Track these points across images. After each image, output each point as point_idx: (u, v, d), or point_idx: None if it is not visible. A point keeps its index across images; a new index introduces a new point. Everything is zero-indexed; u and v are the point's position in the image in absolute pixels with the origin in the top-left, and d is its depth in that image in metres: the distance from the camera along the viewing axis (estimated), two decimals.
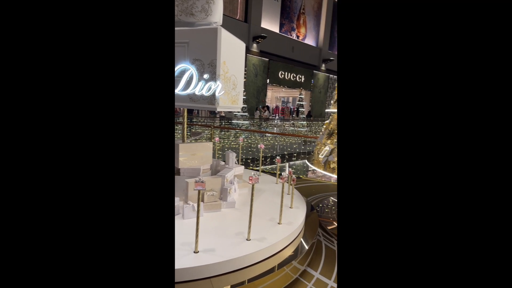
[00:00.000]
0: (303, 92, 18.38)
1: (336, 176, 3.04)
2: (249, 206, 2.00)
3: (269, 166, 7.24)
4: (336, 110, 3.36)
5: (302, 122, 14.48)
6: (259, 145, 3.75)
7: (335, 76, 19.30)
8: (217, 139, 4.28)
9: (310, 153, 4.09)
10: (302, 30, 17.73)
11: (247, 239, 2.05)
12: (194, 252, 1.83)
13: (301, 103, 17.79)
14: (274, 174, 4.32)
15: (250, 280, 1.85)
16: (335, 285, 2.26)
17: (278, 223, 2.40)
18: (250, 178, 1.96)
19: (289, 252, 2.25)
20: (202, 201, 2.53)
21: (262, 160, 4.16)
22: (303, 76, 18.11)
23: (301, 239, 2.53)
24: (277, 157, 3.53)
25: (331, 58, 19.10)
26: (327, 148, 3.27)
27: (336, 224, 3.78)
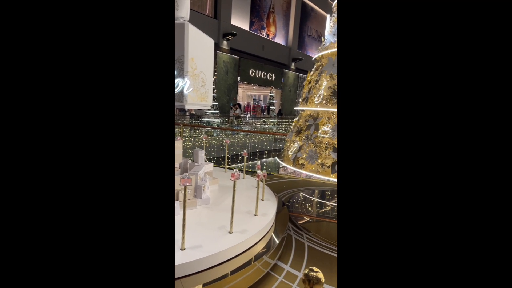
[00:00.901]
0: (274, 90, 18.65)
1: (305, 172, 3.15)
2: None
3: (241, 164, 7.26)
4: (303, 108, 3.48)
5: (273, 120, 14.70)
6: (224, 141, 3.74)
7: (304, 75, 19.84)
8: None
9: (281, 150, 4.19)
10: (272, 28, 17.94)
11: (229, 232, 2.12)
12: (181, 249, 1.82)
13: (272, 101, 18.03)
14: (246, 172, 4.35)
15: (222, 277, 1.86)
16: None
17: (255, 215, 2.46)
18: (233, 175, 2.04)
19: (261, 246, 2.30)
20: (177, 199, 2.48)
21: (227, 156, 4.15)
22: (273, 75, 18.35)
23: (272, 234, 2.60)
24: (244, 150, 3.55)
25: (301, 58, 19.59)
26: (296, 145, 3.37)
27: (306, 218, 3.92)
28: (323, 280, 1.34)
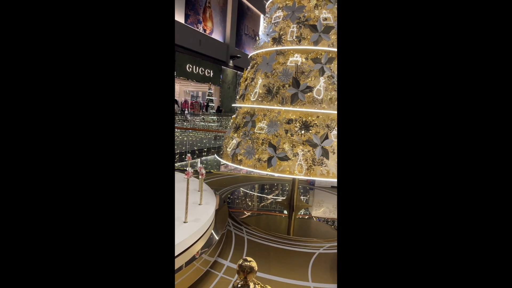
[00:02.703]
0: (213, 87, 18.37)
1: (246, 168, 3.21)
2: None
3: (178, 163, 6.95)
4: (241, 105, 3.53)
5: (212, 117, 14.49)
6: None
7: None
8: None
9: (220, 147, 4.18)
10: (209, 24, 17.58)
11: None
12: None
13: (210, 98, 17.74)
14: (183, 171, 4.19)
15: None
16: None
17: (184, 222, 2.32)
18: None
19: (200, 245, 2.25)
20: None
21: None
22: (211, 71, 18.04)
23: (212, 231, 2.57)
24: (188, 154, 3.43)
25: (239, 56, 19.76)
26: (234, 141, 3.40)
27: (246, 213, 4.01)
28: (256, 268, 1.39)
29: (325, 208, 4.56)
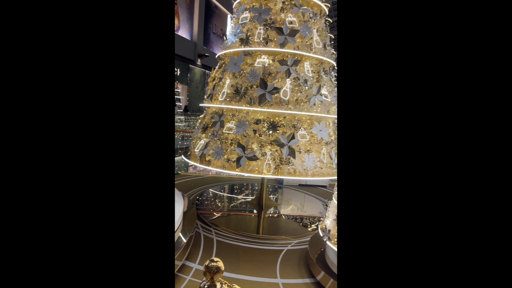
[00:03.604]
0: (180, 86, 17.84)
1: (214, 169, 3.17)
2: None
3: None
4: (209, 105, 3.49)
5: (179, 117, 14.07)
6: None
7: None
8: None
9: (188, 148, 4.07)
10: (175, 20, 17.04)
11: None
12: None
13: (178, 97, 17.21)
14: None
15: None
16: None
17: None
18: None
19: None
20: None
21: None
22: (178, 70, 17.51)
23: (180, 234, 2.51)
24: None
25: (207, 54, 19.44)
26: (202, 142, 3.35)
27: (216, 215, 3.97)
28: (222, 268, 1.39)
29: (293, 206, 4.70)
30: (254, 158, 2.91)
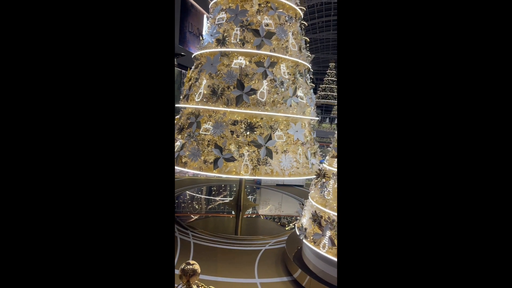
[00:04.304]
0: None
1: (191, 171, 3.12)
2: None
3: None
4: (185, 106, 3.43)
5: None
6: None
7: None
8: None
9: None
10: None
11: None
12: None
13: None
14: None
15: None
16: None
17: None
18: None
19: None
20: None
21: None
22: None
23: None
24: None
25: (183, 54, 19.04)
26: (178, 143, 3.28)
27: (194, 217, 3.91)
28: (199, 271, 1.38)
29: (271, 206, 4.75)
30: (231, 159, 2.91)
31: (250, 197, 5.10)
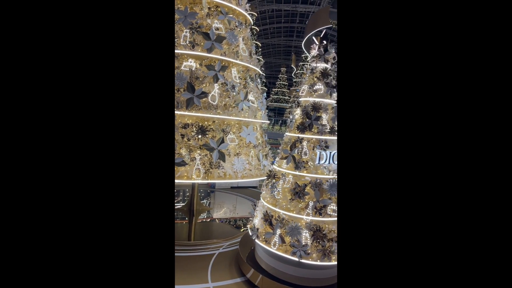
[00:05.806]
0: None
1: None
2: None
3: None
4: None
5: None
6: None
7: None
8: None
9: None
10: None
11: None
12: None
13: None
14: None
15: None
16: None
17: None
18: None
19: None
20: None
21: None
22: None
23: None
24: None
25: None
26: None
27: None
28: None
29: (226, 209, 4.75)
30: (182, 163, 2.84)
31: (204, 201, 5.02)
